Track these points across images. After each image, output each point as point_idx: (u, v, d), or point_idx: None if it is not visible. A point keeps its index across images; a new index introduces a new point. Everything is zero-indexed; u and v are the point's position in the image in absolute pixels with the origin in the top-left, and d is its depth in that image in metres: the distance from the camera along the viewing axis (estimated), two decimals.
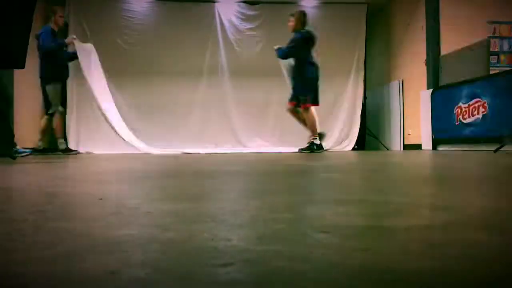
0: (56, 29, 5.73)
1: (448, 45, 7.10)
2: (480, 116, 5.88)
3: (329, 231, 0.54)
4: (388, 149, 8.38)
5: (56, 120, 5.73)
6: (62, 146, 5.74)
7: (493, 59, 6.91)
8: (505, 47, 7.16)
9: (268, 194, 0.96)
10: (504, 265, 0.39)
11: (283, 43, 5.85)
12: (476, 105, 6.04)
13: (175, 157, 4.29)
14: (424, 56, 7.47)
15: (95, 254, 0.43)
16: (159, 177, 1.57)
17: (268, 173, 1.78)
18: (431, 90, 7.16)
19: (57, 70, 5.69)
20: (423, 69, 7.55)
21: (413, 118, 7.90)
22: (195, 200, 0.88)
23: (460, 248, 0.45)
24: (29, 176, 1.78)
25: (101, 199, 0.89)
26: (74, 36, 5.84)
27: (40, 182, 1.42)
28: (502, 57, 7.13)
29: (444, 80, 7.04)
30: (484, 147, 5.77)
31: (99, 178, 1.63)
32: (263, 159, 3.31)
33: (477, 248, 0.45)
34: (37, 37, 5.62)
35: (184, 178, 1.50)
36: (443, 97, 6.79)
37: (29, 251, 0.46)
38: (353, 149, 8.31)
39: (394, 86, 8.61)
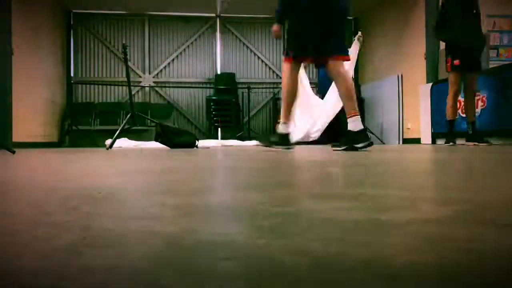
0: None
1: None
2: (479, 110, 5.88)
3: (328, 225, 0.54)
4: (383, 143, 8.39)
5: None
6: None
7: (493, 53, 6.90)
8: (505, 41, 7.15)
9: (267, 188, 0.96)
10: (504, 260, 0.39)
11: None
12: (475, 99, 6.04)
13: (174, 151, 4.29)
14: (423, 50, 7.46)
15: (94, 248, 0.43)
16: (160, 172, 1.57)
17: (266, 167, 1.78)
18: (430, 84, 7.16)
19: None
20: (423, 63, 7.54)
21: (412, 112, 7.91)
22: (195, 194, 0.88)
23: (460, 242, 0.45)
24: (28, 170, 1.78)
25: (101, 193, 0.89)
26: None
27: (38, 176, 1.42)
28: (501, 51, 7.12)
29: (444, 74, 7.03)
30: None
31: (99, 172, 1.63)
32: (260, 153, 3.32)
33: (477, 242, 0.45)
34: None
35: (185, 173, 1.50)
36: (442, 91, 6.78)
37: (27, 245, 0.45)
38: None
39: (393, 80, 8.60)
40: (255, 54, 10.53)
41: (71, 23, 9.88)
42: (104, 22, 10.10)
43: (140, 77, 10.04)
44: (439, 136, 6.91)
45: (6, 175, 1.50)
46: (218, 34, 10.42)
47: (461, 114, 6.34)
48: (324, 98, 6.91)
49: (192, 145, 5.35)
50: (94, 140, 8.34)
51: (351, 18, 10.44)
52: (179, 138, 5.33)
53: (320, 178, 1.27)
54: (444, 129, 6.72)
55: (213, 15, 10.26)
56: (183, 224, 0.56)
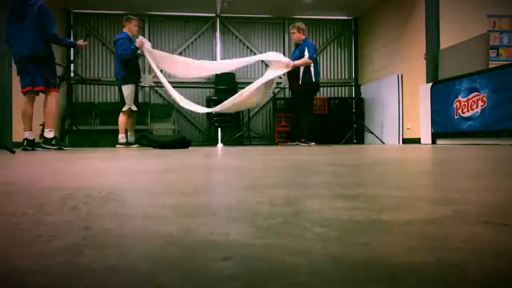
0: (130, 35, 6.67)
1: (447, 39, 7.10)
2: (479, 110, 5.88)
3: (328, 225, 0.54)
4: (383, 143, 8.40)
5: (123, 117, 6.64)
6: (123, 140, 6.56)
7: (493, 53, 6.90)
8: (505, 41, 7.16)
9: (267, 188, 0.96)
10: (504, 260, 0.39)
11: None
12: (475, 99, 6.05)
13: (174, 152, 4.29)
14: (423, 50, 7.46)
15: (94, 248, 0.43)
16: (160, 171, 1.57)
17: (266, 167, 1.78)
18: (430, 84, 7.16)
19: (132, 73, 6.69)
20: (423, 63, 7.55)
21: (412, 112, 7.91)
22: (195, 194, 0.88)
23: (459, 242, 0.45)
24: (28, 170, 1.78)
25: (101, 193, 0.89)
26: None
27: (38, 176, 1.42)
28: (501, 51, 7.13)
29: (444, 74, 7.04)
30: (482, 141, 5.77)
31: (99, 172, 1.63)
32: (260, 152, 3.32)
33: (476, 242, 0.45)
34: (114, 43, 6.58)
35: (184, 172, 1.50)
36: (442, 91, 6.79)
37: (27, 245, 0.45)
38: (353, 143, 8.33)
39: (393, 80, 8.60)
40: (255, 54, 10.52)
41: (71, 23, 9.88)
42: (104, 22, 10.09)
43: (140, 77, 10.03)
44: (439, 136, 6.91)
45: (6, 175, 1.50)
46: (218, 34, 10.42)
47: (461, 114, 6.34)
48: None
49: (178, 145, 5.38)
50: (94, 140, 8.34)
51: (351, 18, 10.45)
52: (164, 138, 5.50)
53: (320, 177, 1.27)
54: (445, 129, 6.73)
55: (213, 15, 10.25)
56: (183, 224, 0.56)
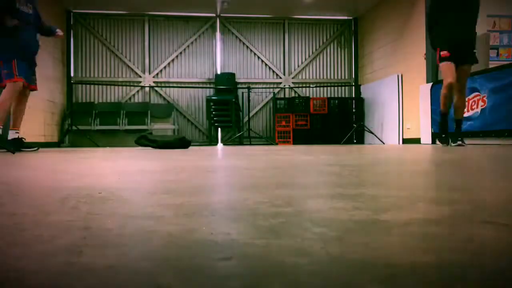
0: None
1: None
2: (479, 110, 5.88)
3: (328, 225, 0.54)
4: (383, 143, 8.40)
5: None
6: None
7: (493, 53, 6.90)
8: (505, 41, 7.16)
9: (267, 188, 0.96)
10: (504, 259, 0.39)
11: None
12: (475, 99, 6.05)
13: (174, 152, 4.29)
14: (423, 50, 7.46)
15: (94, 248, 0.43)
16: (159, 172, 1.57)
17: (266, 167, 1.78)
18: (430, 84, 7.16)
19: None
20: (423, 63, 7.54)
21: (412, 112, 7.91)
22: (195, 194, 0.88)
23: (460, 242, 0.45)
24: (28, 170, 1.78)
25: (101, 193, 0.89)
26: None
27: (38, 176, 1.42)
28: (501, 51, 7.13)
29: None
30: (482, 141, 5.77)
31: (99, 172, 1.63)
32: (260, 152, 3.32)
33: (477, 242, 0.45)
34: None
35: (184, 173, 1.50)
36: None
37: (28, 245, 0.45)
38: (353, 143, 8.33)
39: (393, 80, 8.60)
40: (255, 54, 10.52)
41: (71, 23, 9.88)
42: (104, 22, 10.09)
43: (140, 77, 10.03)
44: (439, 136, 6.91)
45: (6, 175, 1.50)
46: (218, 34, 10.42)
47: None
48: None
49: (178, 145, 5.41)
50: (94, 140, 8.35)
51: (351, 18, 10.45)
52: (164, 138, 5.52)
53: (320, 177, 1.27)
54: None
55: (213, 15, 10.26)
56: (183, 224, 0.56)
